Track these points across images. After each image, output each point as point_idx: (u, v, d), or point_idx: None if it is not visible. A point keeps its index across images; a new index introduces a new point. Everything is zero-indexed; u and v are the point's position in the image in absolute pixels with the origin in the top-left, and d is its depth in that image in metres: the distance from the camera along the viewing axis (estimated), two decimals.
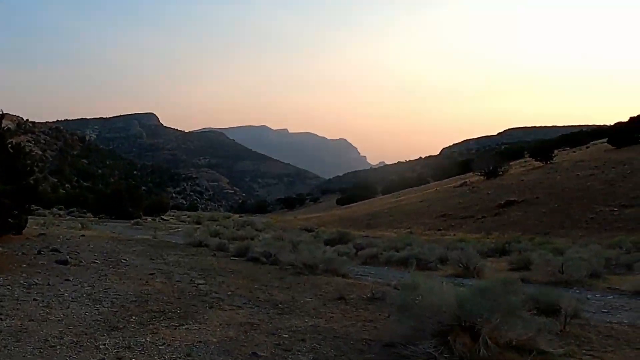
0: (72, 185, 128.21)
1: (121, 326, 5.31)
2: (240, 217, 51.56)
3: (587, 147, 49.78)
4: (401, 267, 12.98)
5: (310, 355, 4.69)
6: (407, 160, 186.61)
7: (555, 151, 46.58)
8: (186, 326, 5.46)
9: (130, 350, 4.53)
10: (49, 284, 7.34)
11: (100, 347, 4.59)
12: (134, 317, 5.71)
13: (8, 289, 6.83)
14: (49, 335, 4.86)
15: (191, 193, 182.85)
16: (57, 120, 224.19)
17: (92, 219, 36.31)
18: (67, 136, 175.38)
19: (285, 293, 7.79)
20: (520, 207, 28.46)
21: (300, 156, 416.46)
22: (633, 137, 37.97)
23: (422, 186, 64.19)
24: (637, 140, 37.40)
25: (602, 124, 79.46)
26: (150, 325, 5.40)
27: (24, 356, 4.29)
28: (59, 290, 6.98)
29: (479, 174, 43.56)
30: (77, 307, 6.07)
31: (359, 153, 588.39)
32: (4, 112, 13.29)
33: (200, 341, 4.92)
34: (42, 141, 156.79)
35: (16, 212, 12.38)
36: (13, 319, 5.34)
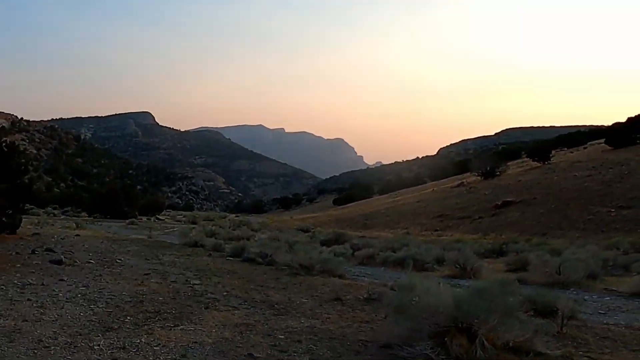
0: (66, 184, 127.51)
1: (116, 327, 5.28)
2: (236, 217, 51.51)
3: (585, 148, 49.78)
4: (398, 267, 12.96)
5: (306, 356, 4.67)
6: (404, 160, 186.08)
7: (553, 151, 46.53)
8: (181, 327, 5.43)
9: (125, 351, 4.50)
10: (43, 284, 7.30)
11: (95, 347, 4.55)
12: (128, 318, 5.67)
13: (2, 289, 6.78)
14: (43, 335, 4.82)
15: (187, 192, 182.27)
16: (52, 119, 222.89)
17: (87, 218, 36.19)
18: (62, 135, 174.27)
19: (282, 294, 7.77)
20: (517, 208, 28.47)
21: (296, 156, 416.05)
22: (631, 137, 37.60)
23: (419, 186, 64.27)
24: (635, 140, 37.10)
25: (600, 124, 79.56)
26: (145, 326, 5.36)
27: (17, 357, 4.25)
28: (53, 290, 6.94)
29: (476, 174, 43.50)
30: (71, 307, 6.03)
31: (355, 153, 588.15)
32: None
33: (195, 342, 4.89)
34: (37, 140, 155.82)
35: (10, 212, 12.36)
36: (7, 319, 5.30)
